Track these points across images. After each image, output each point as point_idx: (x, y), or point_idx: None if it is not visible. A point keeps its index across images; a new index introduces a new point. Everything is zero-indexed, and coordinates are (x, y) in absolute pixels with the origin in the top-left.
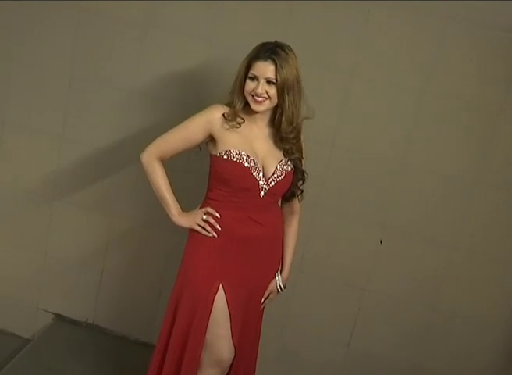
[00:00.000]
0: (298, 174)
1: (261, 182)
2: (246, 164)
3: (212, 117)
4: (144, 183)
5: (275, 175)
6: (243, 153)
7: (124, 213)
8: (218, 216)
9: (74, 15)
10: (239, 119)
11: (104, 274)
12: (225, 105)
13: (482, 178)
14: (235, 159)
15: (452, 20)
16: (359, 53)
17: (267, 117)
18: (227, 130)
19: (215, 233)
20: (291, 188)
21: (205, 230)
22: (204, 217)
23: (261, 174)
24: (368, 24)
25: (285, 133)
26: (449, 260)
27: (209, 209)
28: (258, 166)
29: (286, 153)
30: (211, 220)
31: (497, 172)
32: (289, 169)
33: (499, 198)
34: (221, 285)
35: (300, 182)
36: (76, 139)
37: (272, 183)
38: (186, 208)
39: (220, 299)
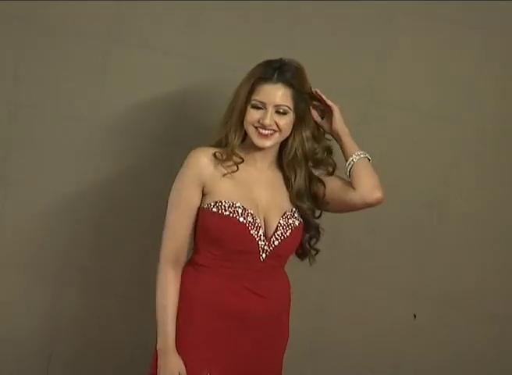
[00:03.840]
0: (310, 230)
1: (260, 242)
2: (241, 219)
3: (199, 166)
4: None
5: (279, 232)
6: (237, 205)
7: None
8: None
9: (17, 30)
10: (236, 159)
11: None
12: (212, 145)
13: None
14: (227, 213)
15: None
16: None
17: (271, 155)
18: (223, 175)
19: None
20: (303, 246)
21: None
22: None
23: (260, 232)
24: (388, 46)
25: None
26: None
27: None
28: (258, 221)
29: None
30: None
31: None
32: (297, 223)
33: None
34: None
35: (314, 240)
36: (19, 183)
37: (276, 243)
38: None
39: None
